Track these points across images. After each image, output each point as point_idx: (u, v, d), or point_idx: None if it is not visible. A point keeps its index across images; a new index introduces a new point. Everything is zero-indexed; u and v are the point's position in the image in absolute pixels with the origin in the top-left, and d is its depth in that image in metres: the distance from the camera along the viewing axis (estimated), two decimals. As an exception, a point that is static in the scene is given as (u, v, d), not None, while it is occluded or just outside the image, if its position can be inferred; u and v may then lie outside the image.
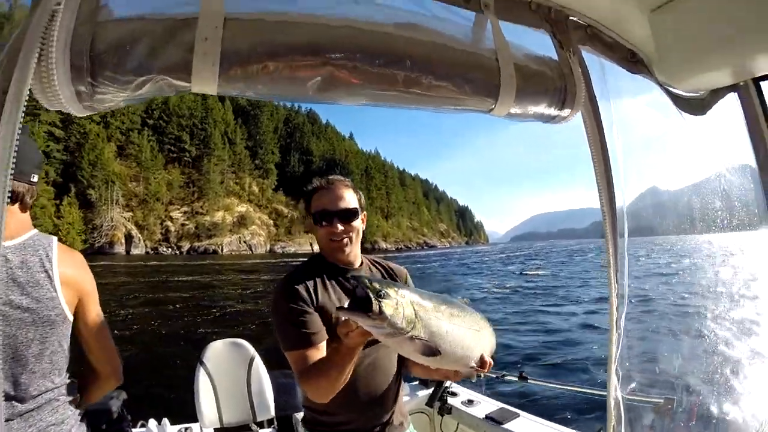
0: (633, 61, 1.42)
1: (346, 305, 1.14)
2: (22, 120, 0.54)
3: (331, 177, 1.72)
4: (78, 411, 1.61)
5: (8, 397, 1.37)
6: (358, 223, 1.69)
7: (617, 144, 1.37)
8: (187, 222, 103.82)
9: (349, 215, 1.65)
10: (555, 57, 1.23)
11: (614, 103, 1.39)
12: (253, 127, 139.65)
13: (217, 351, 3.14)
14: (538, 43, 1.23)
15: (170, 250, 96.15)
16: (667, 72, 1.44)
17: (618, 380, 1.56)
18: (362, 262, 1.78)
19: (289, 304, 1.53)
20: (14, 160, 0.64)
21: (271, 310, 1.63)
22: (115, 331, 11.45)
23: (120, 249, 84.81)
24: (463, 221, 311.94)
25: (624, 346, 1.54)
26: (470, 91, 1.02)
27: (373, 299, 1.07)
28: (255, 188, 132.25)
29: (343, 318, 1.22)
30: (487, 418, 2.85)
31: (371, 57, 0.88)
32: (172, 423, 3.06)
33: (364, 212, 1.75)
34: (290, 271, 1.72)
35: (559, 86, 1.18)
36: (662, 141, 1.94)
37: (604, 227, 1.43)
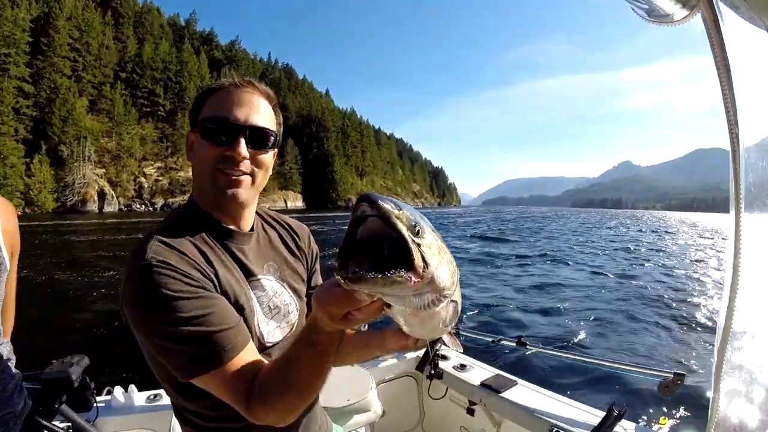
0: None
1: (348, 267, 0.60)
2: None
3: (246, 77, 1.09)
4: (18, 374, 1.41)
5: None
6: (270, 157, 1.12)
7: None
8: (160, 178, 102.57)
9: (264, 138, 1.06)
10: None
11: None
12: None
13: None
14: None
15: (144, 206, 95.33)
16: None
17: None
18: (253, 225, 1.21)
19: (176, 290, 0.88)
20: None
21: (139, 306, 0.90)
22: (78, 293, 11.83)
23: (93, 207, 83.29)
24: (437, 182, 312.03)
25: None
26: None
27: (411, 245, 0.60)
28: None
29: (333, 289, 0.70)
30: (483, 385, 2.59)
31: None
32: (140, 389, 2.68)
33: (276, 149, 1.15)
34: (153, 231, 1.01)
35: None
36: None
37: (733, 182, 1.07)
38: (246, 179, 1.06)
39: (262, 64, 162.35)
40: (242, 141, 1.02)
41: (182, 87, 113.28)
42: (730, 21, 0.96)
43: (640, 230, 56.04)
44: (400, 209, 0.61)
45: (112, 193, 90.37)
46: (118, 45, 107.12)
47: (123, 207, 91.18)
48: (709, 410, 1.20)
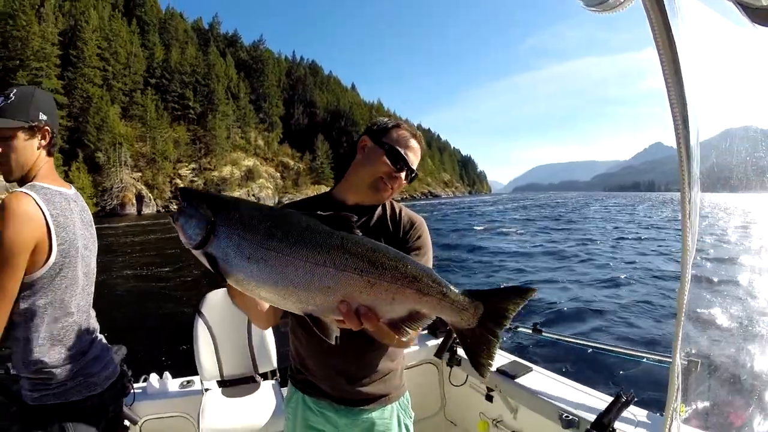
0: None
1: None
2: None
3: (416, 130, 1.64)
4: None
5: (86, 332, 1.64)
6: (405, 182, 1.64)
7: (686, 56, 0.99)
8: (195, 178, 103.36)
9: (411, 176, 1.61)
10: None
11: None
12: (256, 80, 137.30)
13: (216, 300, 2.96)
14: None
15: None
16: None
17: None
18: (379, 208, 1.68)
19: None
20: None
21: None
22: (119, 289, 13.07)
23: (132, 210, 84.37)
24: (466, 171, 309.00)
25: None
26: None
27: (176, 208, 1.05)
28: (261, 142, 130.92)
29: None
30: (499, 371, 2.64)
31: None
32: (174, 376, 2.94)
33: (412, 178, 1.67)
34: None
35: None
36: (735, 62, 1.38)
37: (681, 169, 1.14)
38: (390, 193, 1.59)
39: (287, 63, 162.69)
40: (405, 173, 1.57)
41: (211, 89, 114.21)
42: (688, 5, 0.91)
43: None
44: (190, 192, 1.10)
45: (150, 195, 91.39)
46: (146, 52, 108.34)
47: (161, 208, 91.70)
48: (669, 380, 1.41)
